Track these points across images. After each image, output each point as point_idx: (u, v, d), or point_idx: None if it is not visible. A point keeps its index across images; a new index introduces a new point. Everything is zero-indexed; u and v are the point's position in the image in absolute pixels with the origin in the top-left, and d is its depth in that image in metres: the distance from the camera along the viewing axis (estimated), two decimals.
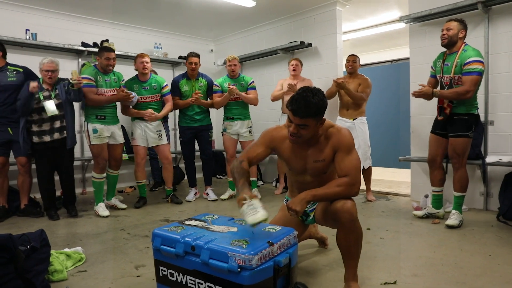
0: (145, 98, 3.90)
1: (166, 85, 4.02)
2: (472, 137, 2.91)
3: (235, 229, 1.64)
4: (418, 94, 2.92)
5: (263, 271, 1.40)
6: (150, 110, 3.85)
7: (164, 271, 1.64)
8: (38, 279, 1.84)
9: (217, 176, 6.00)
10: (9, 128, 3.46)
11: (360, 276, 1.83)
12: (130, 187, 5.04)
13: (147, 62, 3.86)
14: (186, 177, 5.30)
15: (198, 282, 1.51)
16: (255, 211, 1.55)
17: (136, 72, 3.99)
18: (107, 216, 3.50)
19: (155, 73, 4.67)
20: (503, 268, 2.06)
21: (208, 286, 1.48)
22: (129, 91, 3.65)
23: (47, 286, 1.92)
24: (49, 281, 2.00)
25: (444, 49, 2.98)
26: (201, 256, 1.47)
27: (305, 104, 1.63)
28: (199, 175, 4.62)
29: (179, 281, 1.58)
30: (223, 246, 1.44)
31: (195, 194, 4.29)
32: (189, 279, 1.54)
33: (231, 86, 3.98)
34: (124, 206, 3.83)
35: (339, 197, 1.69)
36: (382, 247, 2.48)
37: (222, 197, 4.24)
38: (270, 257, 1.45)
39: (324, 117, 1.74)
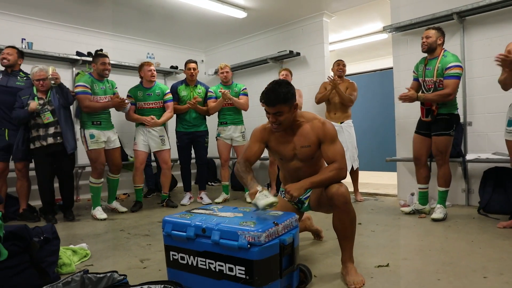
0: (148, 104, 4.03)
1: (169, 92, 4.17)
2: (453, 136, 3.13)
3: (240, 215, 1.77)
4: (404, 98, 3.12)
5: (270, 247, 1.53)
6: (151, 116, 3.96)
7: (175, 255, 1.75)
8: (50, 270, 1.92)
9: (209, 183, 6.09)
10: (6, 130, 3.50)
11: (355, 262, 1.95)
12: (124, 193, 5.09)
13: (154, 70, 4.02)
14: (178, 184, 5.41)
15: (209, 262, 1.62)
16: (266, 197, 1.70)
17: (140, 80, 4.15)
18: (104, 219, 3.57)
19: None
20: (484, 250, 2.24)
21: (218, 265, 1.59)
22: (124, 98, 3.75)
23: (57, 277, 1.99)
24: (58, 273, 2.07)
25: (424, 55, 3.22)
26: (212, 237, 1.58)
27: (274, 94, 1.87)
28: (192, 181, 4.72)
29: (190, 263, 1.68)
30: (233, 226, 1.57)
31: (190, 198, 4.38)
32: (200, 260, 1.65)
33: (223, 90, 4.14)
34: (124, 209, 3.91)
35: (332, 181, 1.85)
36: (374, 238, 2.64)
37: (217, 200, 4.35)
38: (276, 236, 1.58)
39: (296, 102, 1.95)
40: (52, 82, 3.45)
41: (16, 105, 3.40)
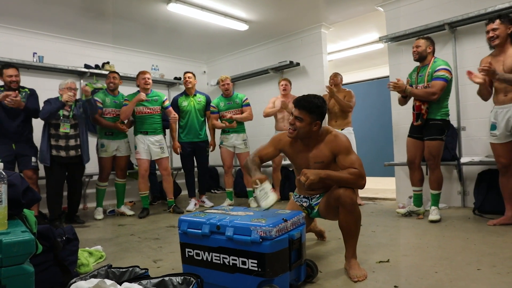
0: (147, 109, 4.19)
1: (166, 99, 4.36)
2: (445, 141, 3.29)
3: (251, 213, 1.90)
4: (394, 86, 3.26)
5: (280, 242, 1.66)
6: (142, 94, 4.09)
7: (190, 252, 1.87)
8: (71, 268, 2.04)
9: (212, 191, 6.21)
10: (13, 145, 3.60)
11: (357, 258, 2.09)
12: (130, 201, 5.20)
13: (148, 78, 4.21)
14: (182, 192, 5.54)
15: (223, 257, 1.74)
16: (267, 196, 1.84)
17: (138, 88, 4.30)
18: (101, 219, 4.00)
19: None
20: (479, 246, 2.38)
21: (232, 259, 1.71)
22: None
23: (77, 275, 2.10)
24: (77, 273, 2.19)
25: (417, 63, 3.39)
26: (226, 233, 1.71)
27: (306, 100, 2.03)
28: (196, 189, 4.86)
29: (205, 259, 1.81)
30: (245, 222, 1.70)
31: (195, 204, 4.51)
32: (215, 256, 1.77)
33: (227, 124, 4.42)
34: (132, 212, 4.20)
35: (348, 185, 1.95)
36: (374, 238, 2.77)
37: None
38: (285, 231, 1.71)
39: (321, 124, 2.06)
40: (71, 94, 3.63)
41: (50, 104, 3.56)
